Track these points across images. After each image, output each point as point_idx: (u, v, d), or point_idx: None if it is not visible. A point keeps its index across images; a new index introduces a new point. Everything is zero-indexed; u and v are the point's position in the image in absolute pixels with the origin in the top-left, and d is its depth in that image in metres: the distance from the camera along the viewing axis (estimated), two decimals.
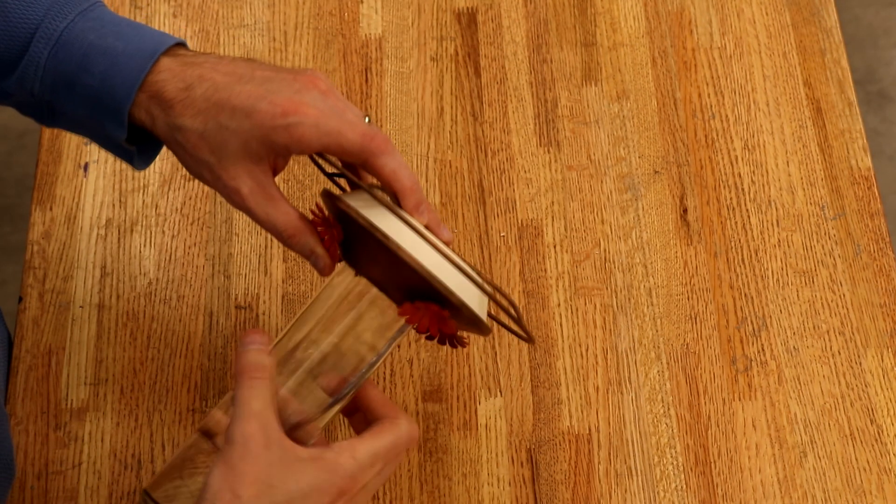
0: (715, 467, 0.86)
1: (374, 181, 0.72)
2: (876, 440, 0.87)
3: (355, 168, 0.74)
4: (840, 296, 0.92)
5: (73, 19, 0.72)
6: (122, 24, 0.73)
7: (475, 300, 0.69)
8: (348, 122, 0.69)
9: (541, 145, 0.98)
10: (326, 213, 0.73)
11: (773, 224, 0.95)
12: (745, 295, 0.92)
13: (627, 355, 0.90)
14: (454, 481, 0.86)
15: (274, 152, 0.70)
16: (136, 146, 0.76)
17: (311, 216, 0.72)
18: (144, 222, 0.95)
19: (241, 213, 0.96)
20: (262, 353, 0.68)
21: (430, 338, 0.72)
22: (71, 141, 0.98)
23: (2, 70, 0.73)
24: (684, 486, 0.85)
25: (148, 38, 0.72)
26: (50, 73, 0.72)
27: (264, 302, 0.92)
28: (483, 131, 0.99)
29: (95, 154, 0.97)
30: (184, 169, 0.97)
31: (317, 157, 0.73)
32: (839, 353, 0.90)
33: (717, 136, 0.99)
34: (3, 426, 0.83)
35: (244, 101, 0.69)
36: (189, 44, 1.03)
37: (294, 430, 0.70)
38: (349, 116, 0.70)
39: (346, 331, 0.72)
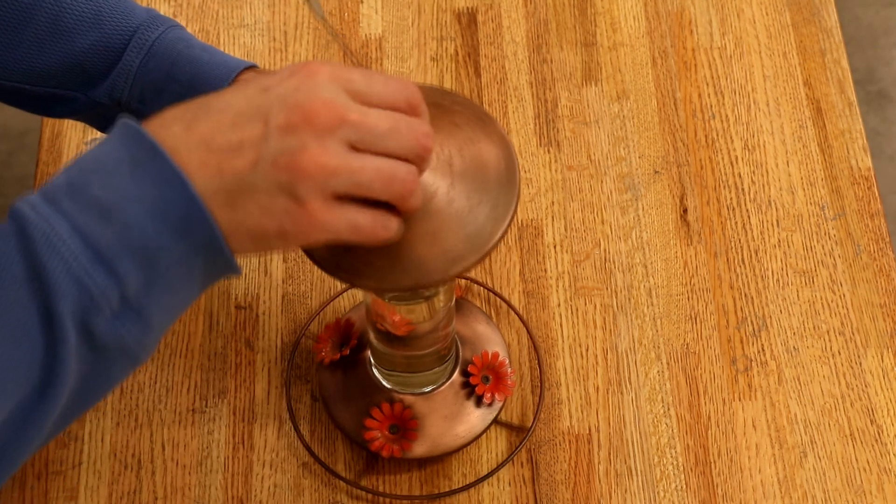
0: (715, 467, 0.86)
1: None
2: (876, 440, 0.87)
3: None
4: (840, 296, 0.92)
5: (163, 31, 0.77)
6: (206, 44, 0.79)
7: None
8: None
9: (541, 145, 0.98)
10: None
11: (773, 224, 0.95)
12: (745, 295, 0.92)
13: (627, 355, 0.90)
14: (454, 481, 0.86)
15: None
16: None
17: None
18: None
19: None
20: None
21: None
22: (71, 141, 0.98)
23: (95, 78, 0.77)
24: (684, 486, 0.85)
25: (229, 57, 0.78)
26: (139, 81, 0.76)
27: (264, 302, 0.92)
28: None
29: None
30: None
31: None
32: (839, 354, 0.90)
33: (717, 136, 0.99)
34: None
35: None
36: None
37: None
38: None
39: None
